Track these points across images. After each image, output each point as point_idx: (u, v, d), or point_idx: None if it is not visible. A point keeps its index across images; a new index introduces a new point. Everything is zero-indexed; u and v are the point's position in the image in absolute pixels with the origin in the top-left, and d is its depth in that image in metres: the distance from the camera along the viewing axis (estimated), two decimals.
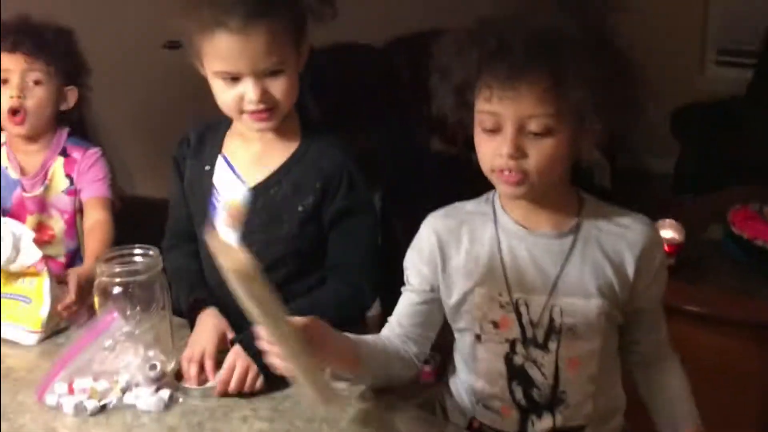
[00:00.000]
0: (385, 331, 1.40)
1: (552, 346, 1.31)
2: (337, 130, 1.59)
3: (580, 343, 1.31)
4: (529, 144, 1.21)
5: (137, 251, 1.44)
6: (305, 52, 1.49)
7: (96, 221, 1.87)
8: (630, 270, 1.30)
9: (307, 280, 1.55)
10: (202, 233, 1.54)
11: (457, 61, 1.25)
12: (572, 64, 1.18)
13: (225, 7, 1.38)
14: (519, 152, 1.21)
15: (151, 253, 1.43)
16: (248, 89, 1.42)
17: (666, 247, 2.59)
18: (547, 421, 1.33)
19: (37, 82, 1.85)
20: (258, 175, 1.53)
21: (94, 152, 1.94)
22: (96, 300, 1.42)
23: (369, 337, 1.35)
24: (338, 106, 3.61)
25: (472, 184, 1.38)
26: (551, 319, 1.30)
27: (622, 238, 1.31)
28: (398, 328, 1.39)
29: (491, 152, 1.24)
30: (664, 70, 4.90)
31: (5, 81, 1.84)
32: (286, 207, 1.51)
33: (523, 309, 1.31)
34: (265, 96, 1.43)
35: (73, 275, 1.62)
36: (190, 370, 1.40)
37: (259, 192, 1.52)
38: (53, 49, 1.87)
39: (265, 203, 1.52)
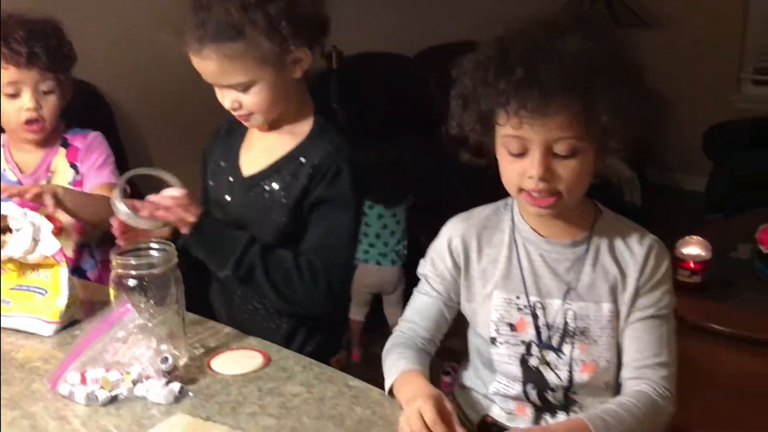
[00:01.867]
0: (411, 338, 1.41)
1: (566, 348, 1.34)
2: (344, 132, 1.61)
3: (593, 346, 1.33)
4: (556, 165, 1.24)
5: (154, 245, 1.46)
6: (299, 60, 1.51)
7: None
8: (632, 281, 1.33)
9: None
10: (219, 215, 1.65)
11: (483, 90, 1.25)
12: (599, 88, 1.21)
13: (189, 33, 1.48)
14: (548, 173, 1.23)
15: (167, 248, 1.45)
16: (223, 98, 1.55)
17: (692, 265, 2.58)
18: (560, 420, 1.35)
19: (48, 92, 1.88)
20: (255, 167, 1.61)
21: (95, 136, 1.96)
22: (111, 292, 1.43)
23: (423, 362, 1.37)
24: (367, 113, 3.63)
25: (499, 195, 1.40)
26: (565, 323, 1.33)
27: (628, 249, 1.34)
28: (423, 331, 1.42)
29: (518, 174, 1.26)
30: (701, 89, 4.92)
31: (16, 94, 1.85)
32: (277, 199, 1.57)
33: (539, 312, 1.34)
34: (236, 104, 1.53)
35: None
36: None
37: (253, 184, 1.60)
38: (62, 57, 1.88)
39: (257, 194, 1.59)
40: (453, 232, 1.41)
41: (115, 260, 1.42)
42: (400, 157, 3.31)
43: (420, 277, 1.46)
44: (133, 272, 1.40)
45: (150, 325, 1.37)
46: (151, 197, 1.52)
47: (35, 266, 1.61)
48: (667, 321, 1.34)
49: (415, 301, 1.46)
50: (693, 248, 2.61)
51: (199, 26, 1.46)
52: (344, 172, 1.54)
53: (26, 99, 1.85)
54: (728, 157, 4.12)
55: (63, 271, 1.58)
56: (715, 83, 4.84)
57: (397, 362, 1.33)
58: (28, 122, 1.87)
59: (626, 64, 1.26)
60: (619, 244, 1.34)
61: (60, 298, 1.57)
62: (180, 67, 1.59)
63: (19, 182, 1.92)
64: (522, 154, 1.25)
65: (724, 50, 4.89)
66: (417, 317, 1.44)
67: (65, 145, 1.95)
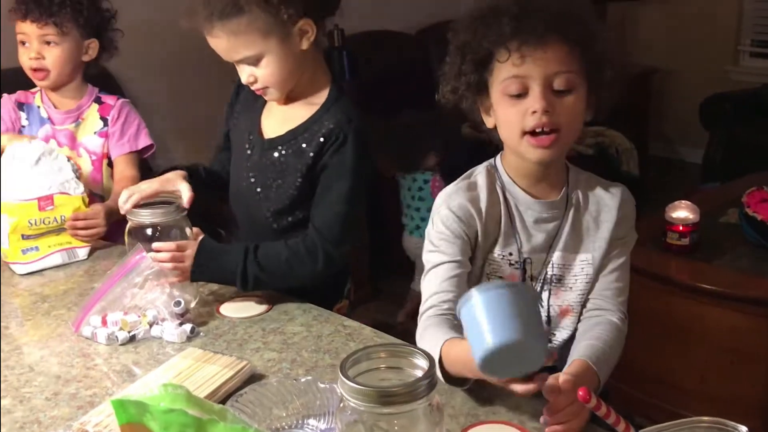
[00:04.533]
0: (441, 317, 1.35)
1: (545, 295, 1.44)
2: (357, 104, 1.71)
3: (567, 293, 1.44)
4: (555, 101, 1.29)
5: (166, 200, 1.59)
6: (305, 33, 1.60)
7: (124, 176, 2.05)
8: (608, 225, 1.41)
9: None
10: (236, 174, 1.78)
11: (483, 31, 1.31)
12: (593, 22, 1.30)
13: (200, 14, 1.57)
14: (551, 107, 1.28)
15: (177, 201, 1.58)
16: (241, 74, 1.64)
17: (681, 228, 2.69)
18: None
19: (50, 43, 2.04)
20: (274, 132, 1.71)
21: (127, 101, 2.14)
22: (126, 240, 1.58)
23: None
24: (370, 91, 3.74)
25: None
26: (546, 273, 1.43)
27: (601, 201, 1.43)
28: (447, 304, 1.36)
29: (520, 115, 1.30)
30: (699, 61, 4.99)
31: (23, 43, 2.05)
32: (292, 163, 1.67)
33: (528, 266, 1.43)
34: (252, 78, 1.62)
35: (97, 205, 1.88)
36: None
37: (272, 146, 1.69)
38: (61, 11, 2.02)
39: (275, 158, 1.68)
40: (454, 202, 1.42)
41: (129, 212, 1.56)
42: (418, 125, 3.44)
43: (431, 245, 1.43)
44: (147, 221, 1.55)
45: (160, 272, 1.52)
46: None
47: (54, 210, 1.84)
48: (628, 253, 1.45)
49: (436, 274, 1.40)
50: (682, 212, 2.71)
51: (206, 6, 1.56)
52: (350, 141, 1.62)
53: (31, 48, 2.04)
54: (724, 127, 4.20)
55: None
56: (713, 56, 4.92)
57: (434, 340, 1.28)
58: (34, 70, 2.06)
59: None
60: (591, 197, 1.43)
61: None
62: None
63: (49, 118, 2.13)
64: (522, 94, 1.29)
65: (722, 23, 4.97)
66: (445, 286, 1.38)
67: (98, 101, 2.15)
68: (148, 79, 3.44)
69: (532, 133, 1.31)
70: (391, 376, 1.01)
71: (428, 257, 1.41)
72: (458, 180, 1.46)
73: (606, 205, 1.43)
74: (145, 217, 1.58)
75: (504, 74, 1.30)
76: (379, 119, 3.39)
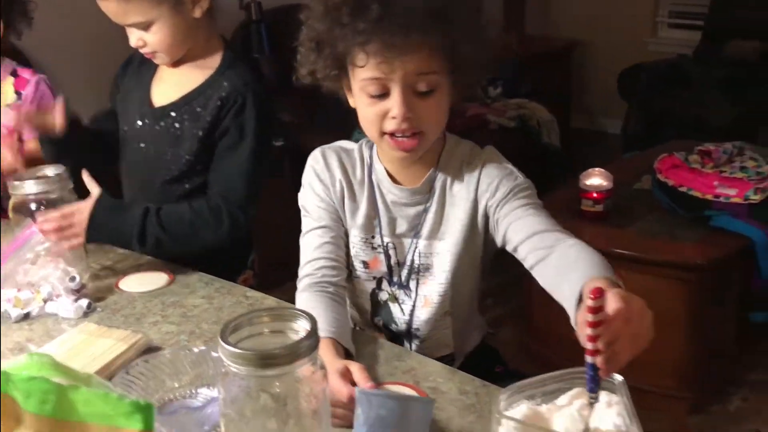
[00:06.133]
0: (323, 288, 1.33)
1: (413, 285, 1.40)
2: (252, 67, 1.70)
3: (432, 282, 1.38)
4: (417, 103, 1.23)
5: (49, 170, 1.55)
6: (197, 2, 1.59)
7: (35, 158, 1.97)
8: (475, 195, 1.33)
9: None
10: (126, 145, 1.74)
11: (339, 31, 1.21)
12: (457, 21, 1.21)
13: None
14: (411, 112, 1.22)
15: (61, 172, 1.54)
16: (130, 36, 1.62)
17: (595, 195, 2.74)
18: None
19: None
20: (166, 99, 1.68)
21: (44, 77, 2.05)
22: (11, 216, 1.53)
23: (343, 323, 1.29)
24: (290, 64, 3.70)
25: None
26: (412, 260, 1.39)
27: (467, 174, 1.35)
28: (330, 272, 1.35)
29: (379, 117, 1.24)
30: (619, 33, 5.06)
31: None
32: (187, 129, 1.65)
33: (392, 251, 1.39)
34: (141, 42, 1.61)
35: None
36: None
37: (164, 113, 1.67)
38: None
39: (170, 124, 1.66)
40: (320, 161, 1.39)
41: (12, 186, 1.51)
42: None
43: (303, 211, 1.42)
44: (32, 196, 1.50)
45: (55, 247, 1.47)
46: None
47: None
48: (543, 210, 1.30)
49: (308, 240, 1.39)
50: (595, 179, 2.76)
51: None
52: (249, 104, 1.61)
53: None
54: (641, 98, 4.27)
55: None
56: (633, 28, 4.99)
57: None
58: None
59: None
60: (462, 171, 1.35)
61: None
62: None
63: None
64: (382, 95, 1.23)
65: None
66: (318, 254, 1.36)
67: (15, 75, 2.05)
68: (65, 57, 3.34)
69: (393, 134, 1.26)
70: (275, 341, 1.00)
71: (303, 221, 1.41)
72: (341, 142, 1.43)
73: (467, 182, 1.34)
74: (26, 189, 1.52)
75: (362, 75, 1.24)
76: (299, 94, 3.36)
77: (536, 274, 1.23)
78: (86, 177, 1.54)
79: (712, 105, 3.99)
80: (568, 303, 1.07)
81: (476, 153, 1.37)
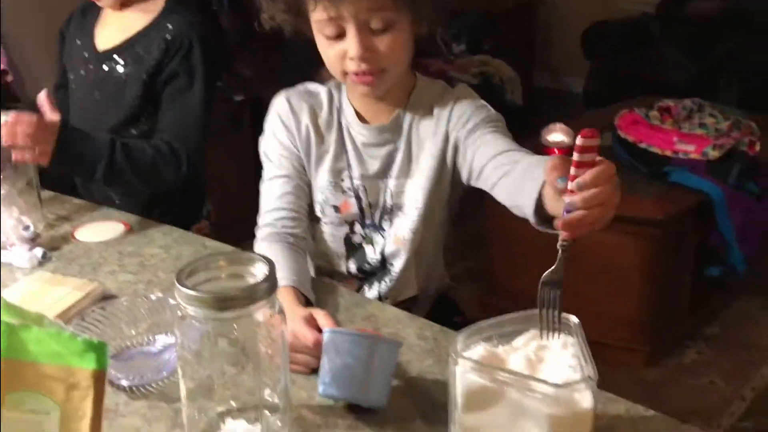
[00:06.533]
0: (281, 236, 1.33)
1: (385, 225, 1.39)
2: (197, 11, 1.68)
3: (404, 220, 1.37)
4: (375, 41, 1.22)
5: None
6: None
7: None
8: (446, 129, 1.32)
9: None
10: (73, 92, 1.72)
11: None
12: None
13: None
14: (368, 51, 1.21)
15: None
16: None
17: (556, 151, 2.74)
18: (374, 290, 1.42)
19: None
20: (110, 43, 1.67)
21: None
22: None
23: (303, 272, 1.29)
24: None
25: None
26: (384, 201, 1.38)
27: (438, 109, 1.33)
28: (290, 222, 1.34)
29: (339, 57, 1.24)
30: None
31: None
32: (132, 73, 1.63)
33: (362, 194, 1.38)
34: None
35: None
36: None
37: (108, 57, 1.66)
38: None
39: (114, 68, 1.65)
40: (285, 105, 1.37)
41: None
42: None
43: (263, 158, 1.40)
44: None
45: (7, 196, 1.44)
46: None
47: None
48: (501, 129, 1.30)
49: (269, 187, 1.38)
50: (557, 135, 2.76)
51: None
52: (196, 47, 1.60)
53: None
54: (603, 56, 4.28)
55: None
56: None
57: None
58: None
59: None
60: (432, 109, 1.34)
61: None
62: None
63: None
64: (339, 35, 1.22)
65: None
66: (278, 204, 1.35)
67: None
68: (20, 17, 3.24)
69: (356, 72, 1.25)
70: (233, 285, 0.99)
71: (264, 167, 1.39)
72: (308, 84, 1.41)
73: (438, 117, 1.33)
74: None
75: (315, 17, 1.23)
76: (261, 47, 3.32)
77: (498, 190, 1.22)
78: (44, 100, 1.49)
79: (673, 63, 4.01)
80: (529, 197, 1.04)
81: (449, 91, 1.37)
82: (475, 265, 3.04)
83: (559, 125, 2.77)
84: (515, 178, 1.17)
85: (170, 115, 1.62)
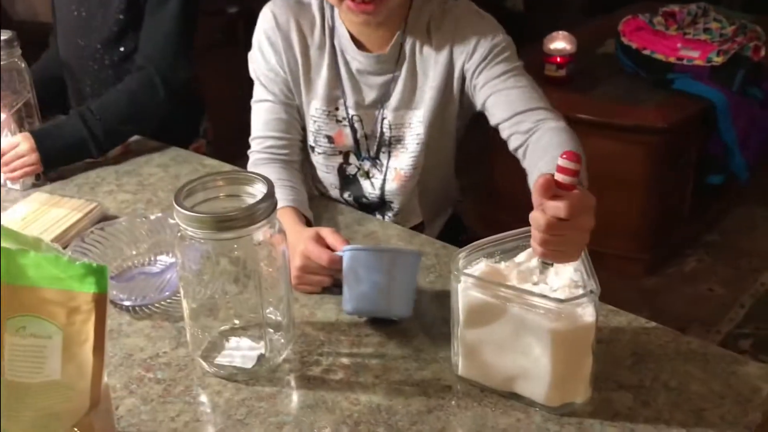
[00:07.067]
0: (272, 159, 1.31)
1: (383, 158, 1.34)
2: None
3: (404, 154, 1.32)
4: None
5: None
6: None
7: None
8: (450, 58, 1.26)
9: None
10: (59, 11, 1.68)
11: None
12: None
13: None
14: None
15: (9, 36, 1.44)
16: None
17: (559, 59, 2.69)
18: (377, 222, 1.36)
19: None
20: None
21: None
22: None
23: (300, 191, 1.27)
24: None
25: None
26: (382, 132, 1.32)
27: (439, 34, 1.26)
28: (281, 148, 1.31)
29: None
30: None
31: None
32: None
33: (357, 125, 1.32)
34: None
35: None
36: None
37: None
38: None
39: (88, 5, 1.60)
40: (271, 21, 1.29)
41: None
42: None
43: (252, 75, 1.34)
44: None
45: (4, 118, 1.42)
46: None
47: None
48: (524, 75, 1.25)
49: (259, 111, 1.33)
50: (559, 43, 2.71)
51: None
52: None
53: None
54: None
55: None
56: None
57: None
58: None
59: None
60: (431, 32, 1.26)
61: None
62: None
63: None
64: None
65: None
66: (267, 130, 1.31)
67: None
68: None
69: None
70: (231, 205, 0.98)
71: (255, 86, 1.34)
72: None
73: (440, 44, 1.26)
74: None
75: None
76: None
77: (518, 156, 1.22)
78: (5, 124, 1.47)
79: None
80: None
81: (447, 9, 1.29)
82: (478, 179, 3.02)
83: (561, 33, 2.72)
84: (527, 161, 1.17)
85: (147, 32, 1.57)
